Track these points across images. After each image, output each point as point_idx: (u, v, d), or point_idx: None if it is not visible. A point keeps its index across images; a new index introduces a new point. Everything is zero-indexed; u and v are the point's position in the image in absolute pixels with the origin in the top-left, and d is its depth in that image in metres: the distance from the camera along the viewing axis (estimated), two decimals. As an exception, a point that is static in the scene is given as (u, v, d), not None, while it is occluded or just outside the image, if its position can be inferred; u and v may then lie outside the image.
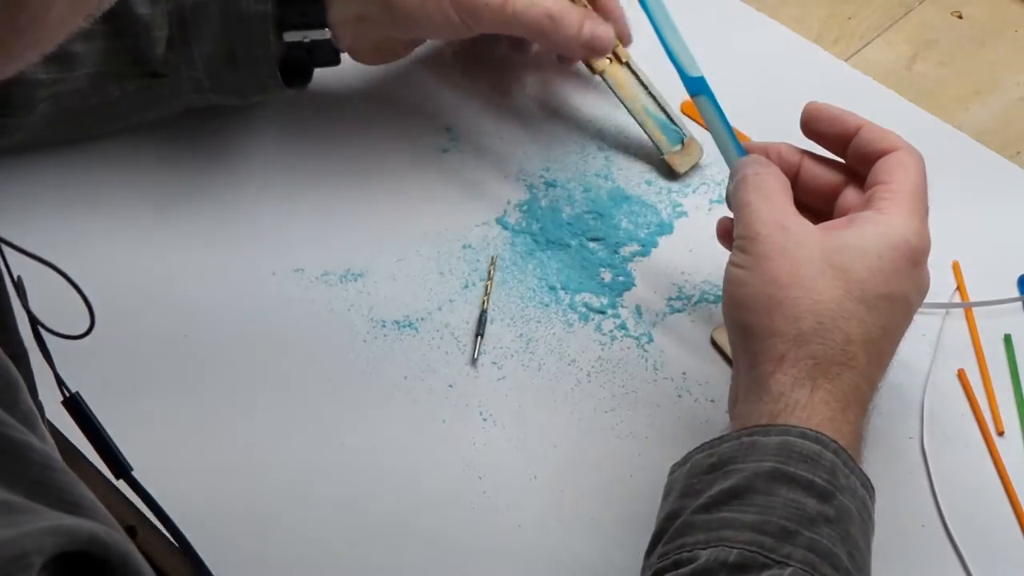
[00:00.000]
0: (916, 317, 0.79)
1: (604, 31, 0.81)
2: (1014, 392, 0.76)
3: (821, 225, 0.68)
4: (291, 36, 0.82)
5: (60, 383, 0.63)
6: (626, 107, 0.87)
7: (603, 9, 0.83)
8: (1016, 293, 0.81)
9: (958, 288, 0.81)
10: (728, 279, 0.68)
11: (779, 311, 0.65)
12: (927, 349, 0.78)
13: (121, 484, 0.65)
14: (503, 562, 0.71)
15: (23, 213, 0.83)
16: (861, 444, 0.65)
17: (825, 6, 0.98)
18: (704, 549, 0.59)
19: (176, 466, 0.72)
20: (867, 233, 0.67)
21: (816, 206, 0.72)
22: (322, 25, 0.81)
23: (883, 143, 0.71)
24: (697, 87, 0.76)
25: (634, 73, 0.88)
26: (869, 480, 0.63)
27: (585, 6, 0.83)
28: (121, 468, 0.64)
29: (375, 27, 0.82)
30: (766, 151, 0.73)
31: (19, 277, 0.60)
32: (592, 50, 0.82)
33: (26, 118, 0.81)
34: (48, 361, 0.62)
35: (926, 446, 0.75)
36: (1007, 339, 0.79)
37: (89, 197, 0.85)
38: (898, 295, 0.66)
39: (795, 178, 0.73)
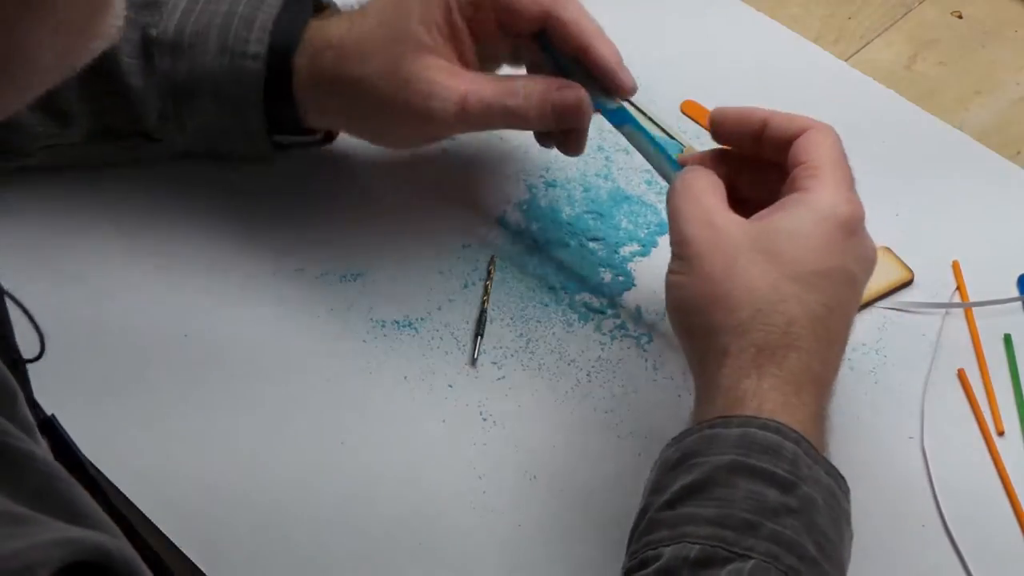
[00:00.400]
0: (916, 317, 0.80)
1: (571, 96, 0.76)
2: (1014, 392, 0.76)
3: (753, 217, 0.68)
4: (280, 139, 0.82)
5: (33, 405, 0.63)
6: (627, 138, 0.88)
7: (592, 66, 0.77)
8: (1016, 293, 0.81)
9: (958, 288, 0.81)
10: (667, 286, 0.68)
11: (717, 306, 0.65)
12: (927, 349, 0.78)
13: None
14: (503, 562, 0.71)
15: (23, 211, 0.83)
16: (823, 426, 0.64)
17: (825, 6, 0.98)
18: (668, 546, 0.59)
19: (175, 465, 0.72)
20: (794, 214, 0.67)
21: (766, 200, 0.72)
22: (304, 132, 0.82)
23: (792, 126, 0.71)
24: (620, 118, 0.77)
25: (633, 105, 0.89)
26: (834, 467, 0.63)
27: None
28: (96, 489, 0.64)
29: (352, 133, 0.83)
30: (702, 160, 0.73)
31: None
32: (567, 124, 0.77)
33: (22, 161, 0.82)
34: (24, 387, 0.61)
35: (926, 446, 0.75)
36: (1007, 339, 0.79)
37: (88, 196, 0.85)
38: (836, 269, 0.66)
39: (738, 179, 0.72)
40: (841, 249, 0.66)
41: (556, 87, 0.76)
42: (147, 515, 0.71)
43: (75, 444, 0.64)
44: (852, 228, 0.67)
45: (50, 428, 0.64)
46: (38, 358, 0.61)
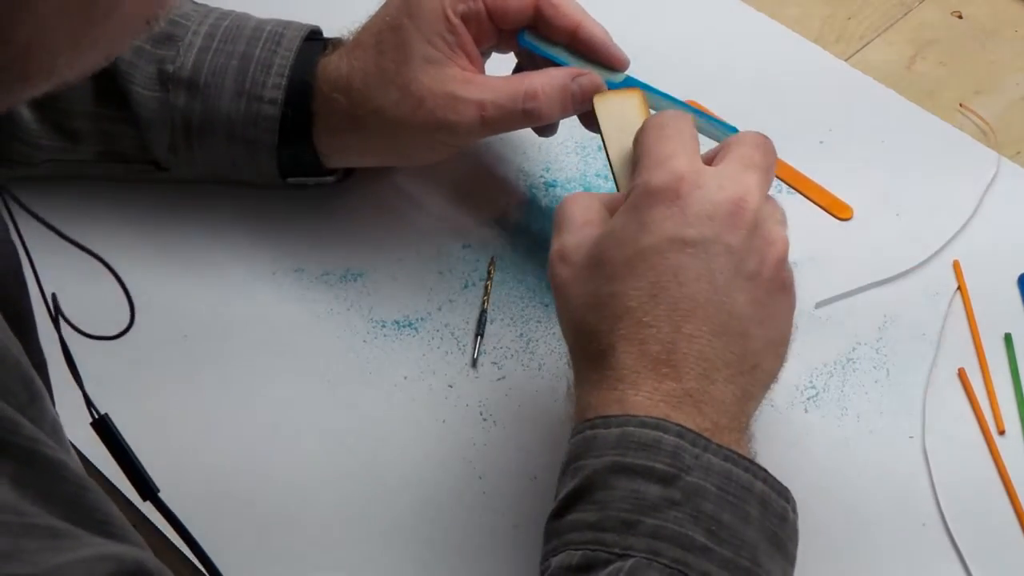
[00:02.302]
0: (917, 314, 0.80)
1: (588, 83, 0.77)
2: (1014, 391, 0.76)
3: None
4: (294, 180, 0.83)
5: (89, 404, 0.63)
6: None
7: (586, 44, 0.78)
8: (1016, 292, 0.81)
9: (959, 287, 0.81)
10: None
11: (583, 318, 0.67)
12: (927, 348, 0.78)
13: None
14: (503, 562, 0.71)
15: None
16: (698, 401, 0.62)
17: (825, 6, 0.98)
18: (555, 556, 0.60)
19: (175, 466, 0.72)
20: (618, 212, 0.67)
21: None
22: (317, 173, 0.82)
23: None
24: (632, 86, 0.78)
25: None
26: (735, 451, 0.61)
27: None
28: (148, 490, 0.64)
29: (373, 164, 0.84)
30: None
31: (54, 295, 0.60)
32: (582, 108, 0.78)
33: (27, 171, 0.82)
34: (77, 381, 0.62)
35: (927, 446, 0.74)
36: (1007, 338, 0.79)
37: (86, 196, 0.85)
38: (650, 247, 0.63)
39: None
40: (652, 222, 0.64)
41: (572, 77, 0.77)
42: (147, 515, 0.71)
43: (126, 442, 0.64)
44: (665, 195, 0.64)
45: (103, 426, 0.64)
46: (126, 331, 0.62)
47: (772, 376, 0.66)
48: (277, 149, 0.80)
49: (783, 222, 0.67)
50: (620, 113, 0.75)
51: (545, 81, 0.77)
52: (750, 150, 0.67)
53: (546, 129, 0.83)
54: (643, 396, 0.62)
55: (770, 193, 0.67)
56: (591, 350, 0.65)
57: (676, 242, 0.63)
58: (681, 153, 0.66)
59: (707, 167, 0.66)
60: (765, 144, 0.68)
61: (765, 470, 0.62)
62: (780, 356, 0.66)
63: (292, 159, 0.81)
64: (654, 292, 0.63)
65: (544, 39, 0.79)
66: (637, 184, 0.66)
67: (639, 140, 0.69)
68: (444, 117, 0.76)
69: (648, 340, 0.62)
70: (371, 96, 0.77)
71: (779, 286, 0.65)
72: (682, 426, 0.60)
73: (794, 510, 0.62)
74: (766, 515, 0.60)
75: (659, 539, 0.58)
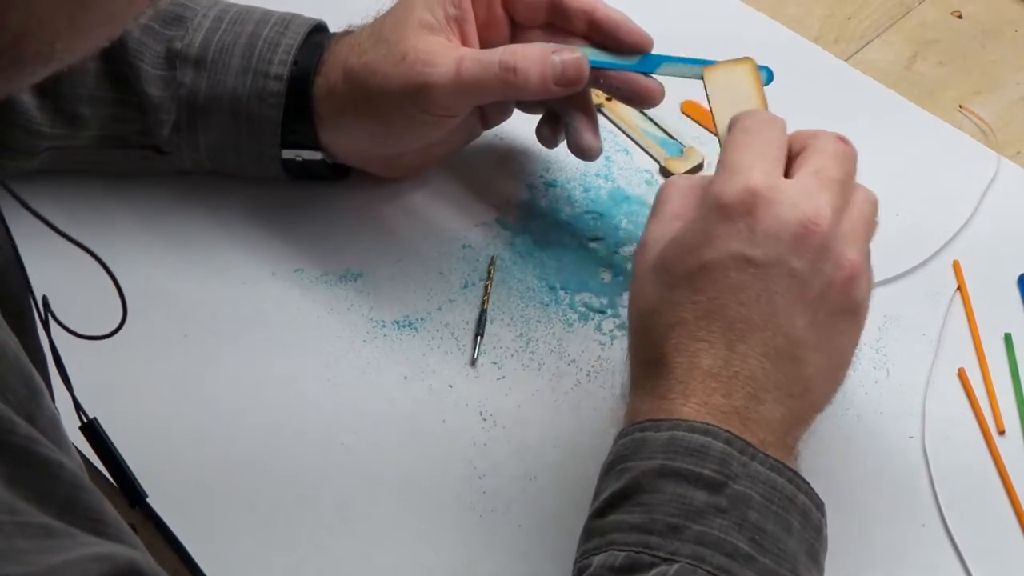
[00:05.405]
0: (917, 314, 0.80)
1: (570, 56, 0.75)
2: (1014, 391, 0.76)
3: None
4: (287, 153, 0.82)
5: (78, 408, 0.63)
6: (626, 133, 0.89)
7: (607, 25, 0.78)
8: (1016, 292, 0.81)
9: (959, 287, 0.81)
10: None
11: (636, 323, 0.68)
12: (927, 348, 0.78)
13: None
14: (503, 562, 0.71)
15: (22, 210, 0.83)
16: (747, 418, 0.62)
17: (825, 6, 0.98)
18: (596, 555, 0.60)
19: (173, 466, 0.72)
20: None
21: None
22: (314, 147, 0.82)
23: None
24: (652, 63, 0.78)
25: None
26: (780, 462, 0.61)
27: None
28: (136, 496, 0.64)
29: (366, 148, 0.82)
30: None
31: (44, 297, 0.60)
32: (567, 84, 0.76)
33: (25, 163, 0.82)
34: (67, 386, 0.62)
35: (926, 446, 0.74)
36: (1007, 338, 0.79)
37: (86, 196, 0.85)
38: (713, 262, 0.63)
39: None
40: (718, 237, 0.63)
41: (552, 49, 0.76)
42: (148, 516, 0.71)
43: (115, 447, 0.64)
44: (736, 210, 0.63)
45: (91, 431, 0.64)
46: (117, 330, 0.62)
47: (824, 400, 0.66)
48: (281, 126, 0.80)
49: (860, 240, 0.65)
50: (730, 85, 0.73)
51: (524, 45, 0.76)
52: (828, 160, 0.66)
53: (548, 139, 0.82)
54: (692, 408, 0.62)
55: (859, 183, 0.67)
56: (646, 356, 0.65)
57: (740, 260, 0.63)
58: (759, 165, 0.65)
59: (783, 181, 0.65)
60: (844, 152, 0.67)
61: (807, 482, 0.62)
62: (835, 381, 0.66)
63: (293, 136, 0.81)
64: (712, 308, 0.63)
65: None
66: (710, 193, 0.65)
67: (726, 139, 0.68)
68: (421, 71, 0.75)
69: (700, 354, 0.63)
70: (366, 53, 0.78)
71: (844, 309, 0.64)
72: (731, 433, 0.61)
73: (826, 524, 0.63)
74: (806, 527, 0.61)
75: (704, 545, 0.58)
